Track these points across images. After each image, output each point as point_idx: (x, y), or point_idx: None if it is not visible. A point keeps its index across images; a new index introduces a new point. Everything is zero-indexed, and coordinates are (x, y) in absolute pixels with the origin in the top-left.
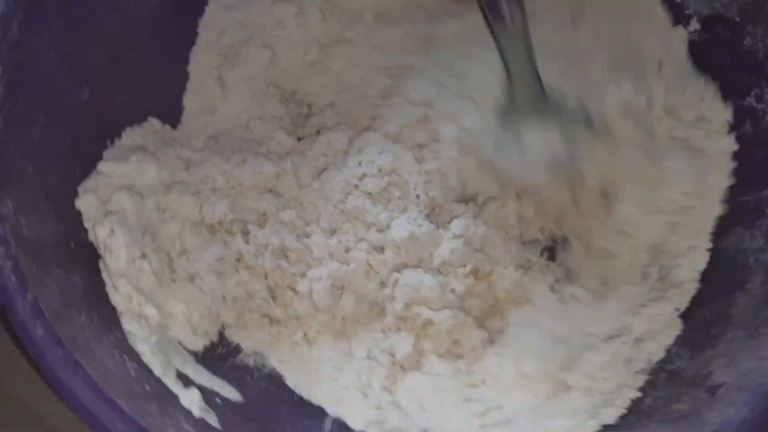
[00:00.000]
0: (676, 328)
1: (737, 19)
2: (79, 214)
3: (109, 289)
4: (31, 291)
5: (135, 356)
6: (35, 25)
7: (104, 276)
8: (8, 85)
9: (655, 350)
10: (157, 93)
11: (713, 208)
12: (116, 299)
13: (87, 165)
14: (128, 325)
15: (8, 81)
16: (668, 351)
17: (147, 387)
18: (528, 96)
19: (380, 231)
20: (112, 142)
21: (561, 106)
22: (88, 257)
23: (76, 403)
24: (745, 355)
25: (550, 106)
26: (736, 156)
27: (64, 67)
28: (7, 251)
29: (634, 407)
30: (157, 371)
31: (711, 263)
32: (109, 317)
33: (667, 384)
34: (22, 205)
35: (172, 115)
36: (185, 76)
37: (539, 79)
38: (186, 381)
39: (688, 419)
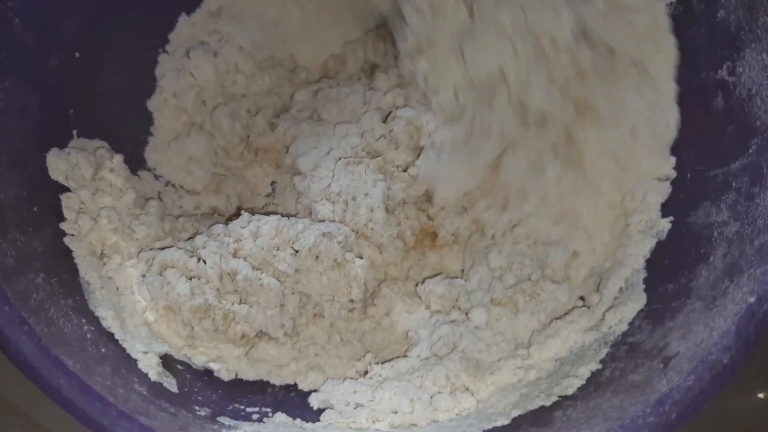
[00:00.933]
0: (640, 302)
1: None
2: (44, 179)
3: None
4: None
5: (94, 320)
6: None
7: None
8: None
9: (618, 323)
10: (129, 65)
11: None
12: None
13: (54, 131)
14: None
15: None
16: (630, 324)
17: (102, 349)
18: None
19: None
20: (80, 110)
21: None
22: (53, 223)
23: (20, 359)
24: (700, 326)
25: None
26: (705, 130)
27: (34, 32)
28: None
29: (593, 378)
30: (118, 335)
31: (677, 238)
32: (69, 282)
33: (627, 356)
34: None
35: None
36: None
37: None
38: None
39: (640, 388)
